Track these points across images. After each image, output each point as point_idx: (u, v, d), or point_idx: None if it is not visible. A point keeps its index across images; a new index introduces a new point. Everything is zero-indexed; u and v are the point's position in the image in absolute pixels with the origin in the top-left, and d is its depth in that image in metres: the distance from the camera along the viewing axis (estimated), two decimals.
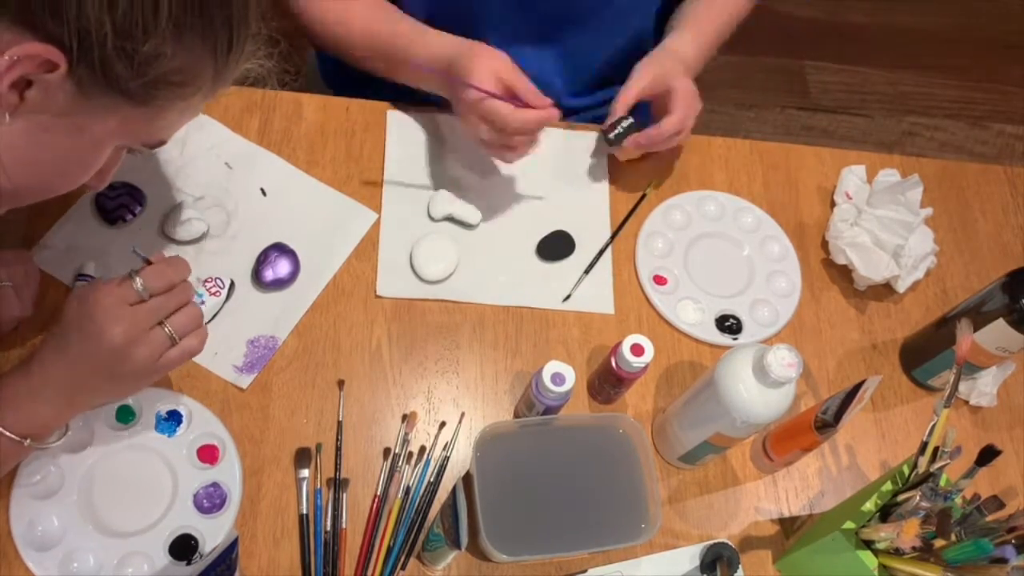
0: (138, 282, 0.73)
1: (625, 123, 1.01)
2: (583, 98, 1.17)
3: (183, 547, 0.80)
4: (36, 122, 0.59)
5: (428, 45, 0.98)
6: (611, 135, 1.00)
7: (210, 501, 0.83)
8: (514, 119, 0.90)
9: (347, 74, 1.09)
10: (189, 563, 0.80)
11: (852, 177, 1.11)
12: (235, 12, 0.63)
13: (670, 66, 1.02)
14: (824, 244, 1.08)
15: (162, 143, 0.70)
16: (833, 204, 1.11)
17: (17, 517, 0.79)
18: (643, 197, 1.07)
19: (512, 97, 0.91)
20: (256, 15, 0.66)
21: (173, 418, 0.85)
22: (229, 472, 0.84)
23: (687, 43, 1.06)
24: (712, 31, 1.10)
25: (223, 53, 0.64)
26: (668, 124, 0.99)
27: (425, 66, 0.96)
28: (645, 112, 1.06)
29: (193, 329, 0.76)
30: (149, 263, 0.75)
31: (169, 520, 0.81)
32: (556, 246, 1.02)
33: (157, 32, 0.57)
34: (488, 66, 0.91)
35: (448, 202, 1.01)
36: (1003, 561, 0.71)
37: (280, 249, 0.95)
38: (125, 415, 0.84)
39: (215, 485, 0.83)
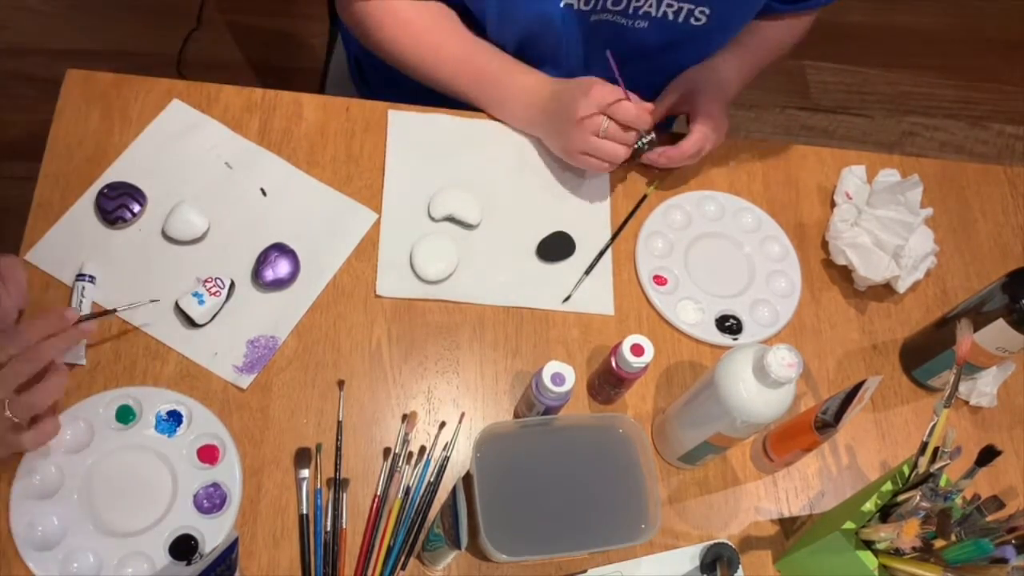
0: None
1: (647, 138, 1.02)
2: None
3: (183, 547, 0.80)
4: None
5: (527, 73, 1.04)
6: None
7: (210, 501, 0.83)
8: (635, 112, 0.96)
9: (380, 74, 1.09)
10: (189, 563, 0.80)
11: (852, 177, 1.11)
12: None
13: (703, 86, 1.04)
14: (824, 244, 1.08)
15: None
16: (833, 204, 1.11)
17: (17, 517, 0.79)
18: (644, 198, 1.07)
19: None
20: None
21: (173, 418, 0.85)
22: (229, 472, 0.84)
23: (730, 64, 1.09)
24: (753, 60, 1.12)
25: None
26: (686, 146, 1.01)
27: (522, 89, 1.03)
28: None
29: (44, 411, 0.71)
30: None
31: (169, 520, 0.81)
32: (556, 247, 1.02)
33: None
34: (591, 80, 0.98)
35: (448, 202, 1.01)
36: (1003, 561, 0.71)
37: (280, 249, 0.95)
38: (125, 415, 0.84)
39: (215, 485, 0.83)
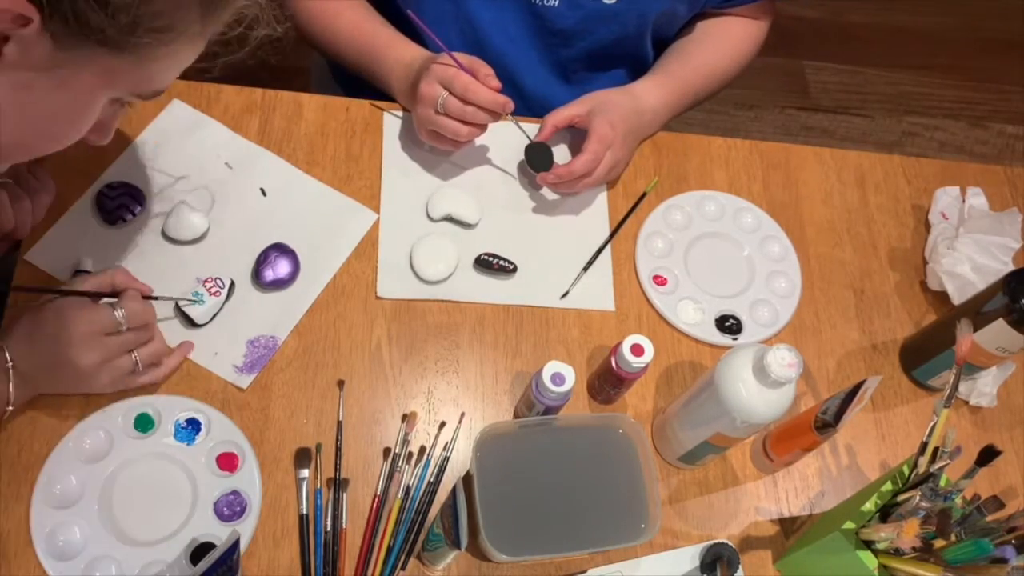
0: (119, 314, 0.78)
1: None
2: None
3: (204, 556, 0.79)
4: (18, 80, 0.58)
5: (406, 47, 1.03)
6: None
7: (230, 509, 0.83)
8: (476, 88, 0.93)
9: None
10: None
11: (947, 197, 1.12)
12: None
13: (607, 107, 1.00)
14: (823, 244, 1.08)
15: (157, 93, 0.68)
16: (928, 225, 1.11)
17: (38, 527, 0.78)
18: (643, 195, 1.07)
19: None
20: None
21: (192, 426, 0.85)
22: (248, 479, 0.84)
23: (651, 90, 1.07)
24: (682, 86, 1.09)
25: None
26: (576, 163, 0.98)
27: (396, 65, 1.02)
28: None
29: (156, 362, 0.84)
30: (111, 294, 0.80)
31: (190, 529, 0.81)
32: (540, 157, 1.01)
33: None
34: (456, 55, 0.95)
35: (447, 202, 1.01)
36: (1003, 561, 0.71)
37: (280, 249, 0.95)
38: (144, 424, 0.84)
39: (235, 493, 0.83)
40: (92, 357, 0.78)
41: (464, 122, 0.96)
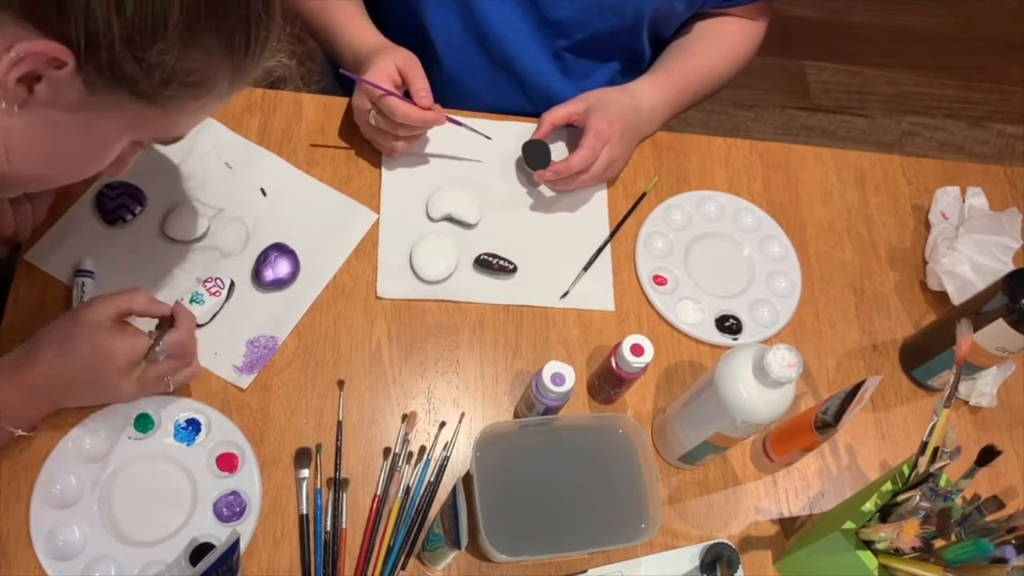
0: (161, 345, 0.78)
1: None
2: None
3: (204, 556, 0.79)
4: (45, 116, 0.59)
5: (360, 30, 1.03)
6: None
7: (230, 509, 0.83)
8: (404, 109, 0.94)
9: None
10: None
11: (947, 197, 1.12)
12: (253, 10, 0.61)
13: (604, 104, 1.01)
14: (823, 244, 1.08)
15: (177, 139, 0.70)
16: (928, 225, 1.11)
17: (38, 527, 0.78)
18: (642, 195, 1.07)
19: (405, 93, 0.95)
20: (277, 12, 0.64)
21: (192, 426, 0.85)
22: (248, 480, 0.84)
23: (649, 89, 1.07)
24: (680, 85, 1.10)
25: (240, 53, 0.62)
26: (573, 159, 0.98)
27: (347, 50, 1.01)
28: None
29: (187, 381, 0.85)
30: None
31: (189, 529, 0.81)
32: (538, 155, 1.02)
33: (167, 34, 0.56)
34: (391, 59, 0.95)
35: (447, 202, 1.01)
36: (1003, 561, 0.71)
37: (280, 249, 0.95)
38: (144, 424, 0.84)
39: (235, 493, 0.83)
40: (129, 386, 0.78)
41: (397, 137, 0.97)
